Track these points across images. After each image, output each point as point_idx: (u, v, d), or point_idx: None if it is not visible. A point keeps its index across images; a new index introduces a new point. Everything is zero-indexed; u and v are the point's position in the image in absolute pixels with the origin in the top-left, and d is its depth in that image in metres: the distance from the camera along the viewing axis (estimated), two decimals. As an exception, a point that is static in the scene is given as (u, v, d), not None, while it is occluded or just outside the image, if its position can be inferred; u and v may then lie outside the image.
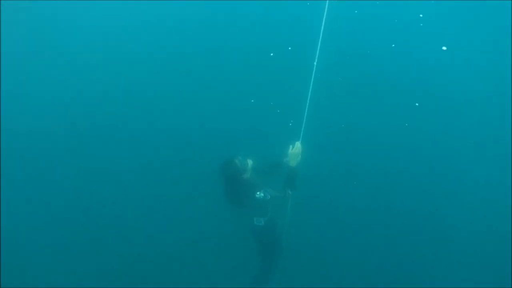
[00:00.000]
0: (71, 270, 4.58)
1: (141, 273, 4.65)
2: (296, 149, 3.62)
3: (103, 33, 6.25)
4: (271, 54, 6.08)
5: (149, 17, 6.47)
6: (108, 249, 4.76)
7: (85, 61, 6.04)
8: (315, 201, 4.94)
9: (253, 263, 4.32)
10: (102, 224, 4.89)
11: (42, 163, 5.27)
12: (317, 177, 4.97)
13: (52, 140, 5.42)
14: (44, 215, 4.92)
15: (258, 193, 3.63)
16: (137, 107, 5.78)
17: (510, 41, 5.99)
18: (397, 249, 4.86)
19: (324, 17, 3.74)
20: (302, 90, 3.89)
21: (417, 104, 5.72)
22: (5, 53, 5.83)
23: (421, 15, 6.44)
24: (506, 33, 6.05)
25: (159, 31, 6.36)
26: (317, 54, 3.79)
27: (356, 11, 6.41)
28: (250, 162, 3.75)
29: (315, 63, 3.80)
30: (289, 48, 5.93)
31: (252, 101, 5.73)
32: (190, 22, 6.40)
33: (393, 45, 6.22)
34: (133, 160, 5.36)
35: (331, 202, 5.02)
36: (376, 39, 6.26)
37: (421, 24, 6.39)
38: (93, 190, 5.14)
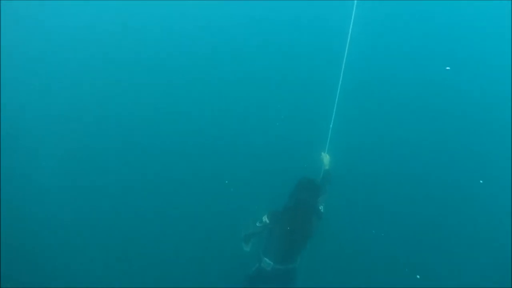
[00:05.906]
0: (71, 270, 4.59)
1: (141, 273, 4.65)
2: (325, 155, 4.20)
3: (104, 33, 6.25)
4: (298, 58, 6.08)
5: (158, 18, 6.49)
6: (108, 250, 4.77)
7: (86, 61, 6.04)
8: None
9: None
10: (101, 225, 4.89)
11: (42, 163, 5.27)
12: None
13: (53, 140, 5.42)
14: (44, 215, 4.92)
15: (320, 207, 3.79)
16: (142, 107, 5.80)
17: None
18: (397, 249, 4.87)
19: (353, 17, 3.76)
20: (328, 98, 4.05)
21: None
22: (5, 53, 5.83)
23: (447, 16, 6.42)
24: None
25: (186, 34, 6.38)
26: (345, 55, 3.83)
27: (384, 11, 6.34)
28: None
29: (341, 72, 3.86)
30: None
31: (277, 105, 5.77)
32: (216, 24, 6.41)
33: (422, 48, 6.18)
34: (135, 161, 5.37)
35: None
36: (403, 39, 6.22)
37: (449, 24, 6.35)
38: (93, 190, 5.14)
